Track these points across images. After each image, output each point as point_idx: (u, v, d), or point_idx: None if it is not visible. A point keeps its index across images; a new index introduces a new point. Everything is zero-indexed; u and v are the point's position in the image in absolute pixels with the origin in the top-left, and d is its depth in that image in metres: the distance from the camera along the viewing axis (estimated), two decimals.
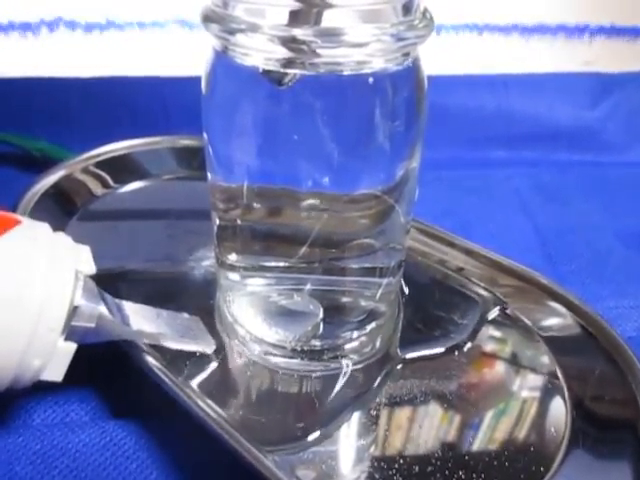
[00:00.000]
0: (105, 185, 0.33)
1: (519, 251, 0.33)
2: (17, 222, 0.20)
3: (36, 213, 0.29)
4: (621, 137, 0.46)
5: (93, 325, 0.20)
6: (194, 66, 0.22)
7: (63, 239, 0.21)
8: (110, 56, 0.44)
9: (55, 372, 0.20)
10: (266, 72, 0.18)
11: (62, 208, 0.31)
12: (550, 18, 0.48)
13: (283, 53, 0.18)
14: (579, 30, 0.49)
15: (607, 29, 0.49)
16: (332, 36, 0.17)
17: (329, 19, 0.18)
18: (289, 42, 0.17)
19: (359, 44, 0.18)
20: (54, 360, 0.20)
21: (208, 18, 0.19)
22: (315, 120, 0.19)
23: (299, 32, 0.17)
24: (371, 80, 0.19)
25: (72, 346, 0.20)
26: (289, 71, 0.18)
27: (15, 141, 0.38)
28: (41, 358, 0.20)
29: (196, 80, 0.21)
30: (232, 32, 0.19)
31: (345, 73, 0.18)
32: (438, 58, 0.43)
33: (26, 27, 0.44)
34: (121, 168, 0.34)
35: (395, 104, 0.20)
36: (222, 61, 0.20)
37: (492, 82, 0.46)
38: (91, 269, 0.22)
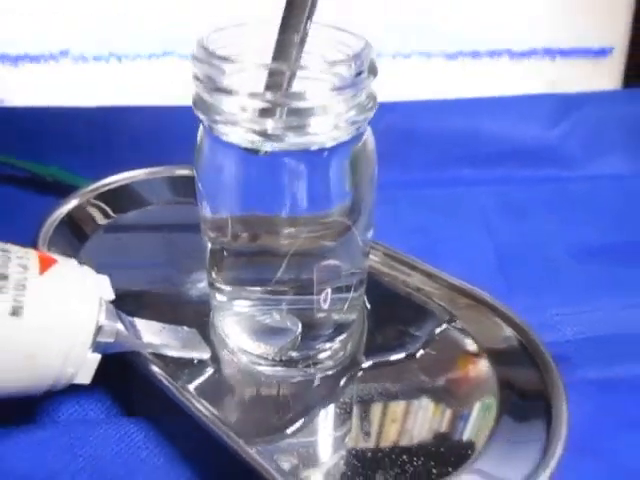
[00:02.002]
0: (112, 213, 0.35)
1: (477, 267, 0.35)
2: (54, 261, 0.23)
3: (53, 241, 0.31)
4: (581, 153, 0.47)
5: (113, 340, 0.23)
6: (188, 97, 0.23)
7: (88, 272, 0.24)
8: (113, 87, 0.46)
9: (84, 377, 0.23)
10: (245, 148, 0.21)
11: (74, 236, 0.33)
12: (517, 42, 0.50)
13: (258, 139, 0.20)
14: (545, 51, 0.51)
15: (569, 51, 0.51)
16: (298, 129, 0.20)
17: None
18: (262, 133, 0.20)
19: (319, 134, 0.20)
20: (84, 368, 0.22)
21: (196, 105, 0.22)
22: (284, 180, 0.22)
23: (271, 125, 0.20)
24: (326, 154, 0.21)
25: (97, 356, 0.23)
26: (262, 149, 0.20)
27: (29, 167, 0.40)
28: (74, 367, 0.22)
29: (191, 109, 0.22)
30: (215, 122, 0.21)
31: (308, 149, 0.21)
32: (407, 83, 0.45)
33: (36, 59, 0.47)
34: (123, 197, 0.36)
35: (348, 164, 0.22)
36: (209, 134, 0.22)
37: (459, 105, 0.46)
38: (110, 295, 0.24)
